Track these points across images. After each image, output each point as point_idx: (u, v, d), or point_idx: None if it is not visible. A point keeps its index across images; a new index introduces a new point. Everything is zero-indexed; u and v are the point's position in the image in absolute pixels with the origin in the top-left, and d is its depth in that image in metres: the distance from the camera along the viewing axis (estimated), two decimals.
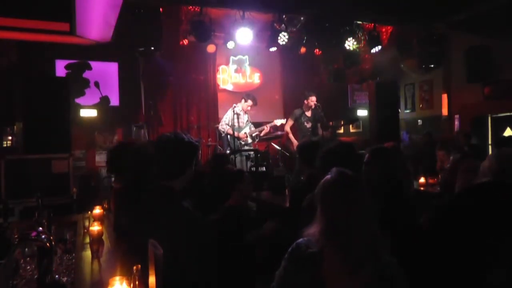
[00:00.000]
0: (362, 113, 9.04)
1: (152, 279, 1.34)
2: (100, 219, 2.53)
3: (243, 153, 6.44)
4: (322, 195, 1.47)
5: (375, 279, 1.33)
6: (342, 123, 8.32)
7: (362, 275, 1.34)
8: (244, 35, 6.24)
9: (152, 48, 6.04)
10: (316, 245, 1.42)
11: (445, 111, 8.11)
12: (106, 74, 6.83)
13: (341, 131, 8.93)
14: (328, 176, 1.50)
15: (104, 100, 6.61)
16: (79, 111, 6.36)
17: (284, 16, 6.58)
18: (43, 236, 1.61)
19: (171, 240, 1.59)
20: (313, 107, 6.57)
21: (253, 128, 6.72)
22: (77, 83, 6.32)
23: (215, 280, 1.75)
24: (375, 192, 1.87)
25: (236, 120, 6.46)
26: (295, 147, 6.58)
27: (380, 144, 2.24)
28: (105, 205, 2.96)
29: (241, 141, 6.56)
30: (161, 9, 6.04)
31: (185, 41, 7.17)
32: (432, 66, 7.32)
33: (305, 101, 6.58)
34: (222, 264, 2.08)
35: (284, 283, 1.48)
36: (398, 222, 1.86)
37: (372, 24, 7.01)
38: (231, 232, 2.57)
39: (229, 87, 8.38)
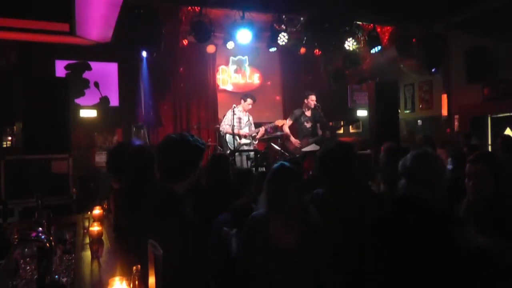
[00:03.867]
0: (362, 113, 9.03)
1: (152, 280, 1.34)
2: (100, 219, 2.53)
3: (243, 153, 6.44)
4: (267, 179, 2.07)
5: (305, 230, 1.95)
6: (342, 123, 8.32)
7: (297, 228, 1.94)
8: (243, 36, 6.24)
9: (152, 48, 6.04)
10: (264, 214, 2.01)
11: (444, 112, 8.11)
12: (105, 74, 6.83)
13: (341, 131, 8.93)
14: (273, 166, 2.11)
15: (104, 100, 6.62)
16: (79, 111, 6.36)
17: (284, 16, 6.57)
18: (42, 237, 1.61)
19: (171, 242, 1.59)
20: (312, 106, 6.57)
21: (253, 129, 6.72)
22: (76, 84, 6.33)
23: (214, 282, 1.75)
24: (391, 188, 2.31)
25: (237, 122, 6.46)
26: (295, 147, 6.60)
27: (395, 144, 2.39)
28: (105, 206, 2.96)
29: (241, 140, 6.54)
30: (160, 9, 6.04)
31: (185, 42, 7.17)
32: (432, 69, 7.33)
33: (305, 101, 6.60)
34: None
35: (244, 244, 2.03)
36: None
37: (372, 25, 7.00)
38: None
39: (229, 88, 8.37)
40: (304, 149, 6.54)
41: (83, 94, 6.50)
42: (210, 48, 7.45)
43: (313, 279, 1.90)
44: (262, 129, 6.63)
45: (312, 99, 6.55)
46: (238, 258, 2.07)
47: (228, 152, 6.30)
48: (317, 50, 8.09)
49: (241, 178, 2.97)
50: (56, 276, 1.72)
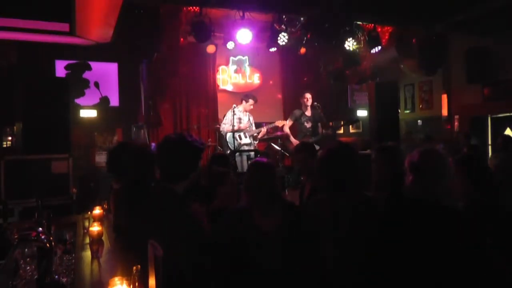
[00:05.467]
0: (362, 113, 9.03)
1: (152, 281, 1.34)
2: (100, 219, 2.53)
3: (243, 153, 6.44)
4: (247, 173, 2.32)
5: (282, 215, 2.15)
6: (342, 123, 8.32)
7: (274, 213, 2.14)
8: (244, 36, 6.24)
9: (152, 48, 6.04)
10: (244, 204, 2.23)
11: (444, 112, 8.12)
12: (106, 74, 6.83)
13: (341, 131, 8.93)
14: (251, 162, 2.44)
15: (104, 100, 6.61)
16: (79, 111, 6.36)
17: (284, 16, 6.57)
18: (42, 237, 1.61)
19: (171, 242, 1.59)
20: (309, 104, 6.58)
21: (254, 129, 6.72)
22: (77, 84, 6.33)
23: (214, 282, 1.75)
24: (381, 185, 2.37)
25: (237, 122, 6.46)
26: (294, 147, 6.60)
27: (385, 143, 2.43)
28: (105, 206, 2.96)
29: (241, 140, 6.54)
30: (161, 9, 6.05)
31: (185, 42, 7.17)
32: (432, 70, 7.33)
33: (301, 100, 6.63)
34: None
35: (227, 234, 2.15)
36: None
37: (372, 25, 7.00)
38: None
39: (229, 88, 8.37)
40: None
41: (83, 94, 6.50)
42: (210, 48, 7.45)
43: (297, 262, 2.00)
44: (263, 129, 6.63)
45: (307, 97, 6.56)
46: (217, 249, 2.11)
47: (228, 152, 6.30)
48: (317, 50, 8.09)
49: (215, 179, 2.97)
50: (56, 276, 1.72)
